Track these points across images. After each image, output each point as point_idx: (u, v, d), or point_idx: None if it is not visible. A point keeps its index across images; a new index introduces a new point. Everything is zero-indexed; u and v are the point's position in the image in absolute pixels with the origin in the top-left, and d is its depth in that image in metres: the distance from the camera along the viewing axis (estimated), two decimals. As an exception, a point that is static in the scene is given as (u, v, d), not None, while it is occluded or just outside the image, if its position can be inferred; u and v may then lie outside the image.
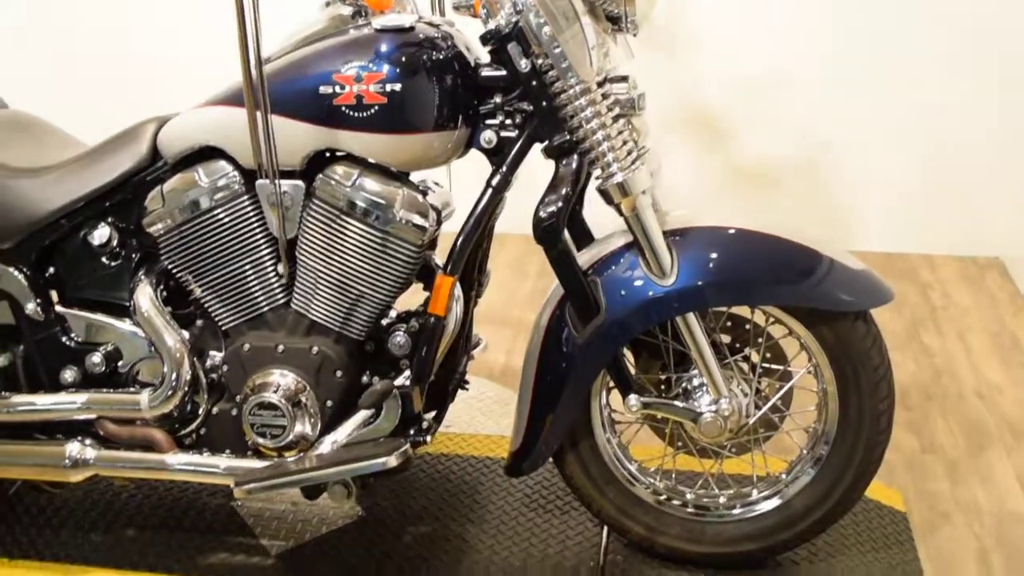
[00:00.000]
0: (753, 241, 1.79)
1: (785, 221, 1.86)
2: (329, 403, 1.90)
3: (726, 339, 1.95)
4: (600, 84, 1.79)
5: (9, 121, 2.10)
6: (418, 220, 1.82)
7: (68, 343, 2.01)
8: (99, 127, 2.09)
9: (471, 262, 2.01)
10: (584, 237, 2.03)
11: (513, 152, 1.83)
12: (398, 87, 1.73)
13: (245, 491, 1.80)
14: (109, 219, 1.97)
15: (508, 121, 1.84)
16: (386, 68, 1.73)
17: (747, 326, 1.92)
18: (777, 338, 1.92)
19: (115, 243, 1.97)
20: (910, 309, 3.21)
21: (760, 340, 1.91)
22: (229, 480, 1.87)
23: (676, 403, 1.88)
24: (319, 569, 2.03)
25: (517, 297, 3.33)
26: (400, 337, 1.89)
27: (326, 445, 1.87)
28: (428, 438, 1.87)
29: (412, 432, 1.87)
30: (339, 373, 1.89)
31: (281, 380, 1.89)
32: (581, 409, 1.93)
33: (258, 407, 1.88)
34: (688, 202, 3.57)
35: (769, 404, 1.91)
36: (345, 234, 1.84)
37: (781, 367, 1.93)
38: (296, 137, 1.79)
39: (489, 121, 1.85)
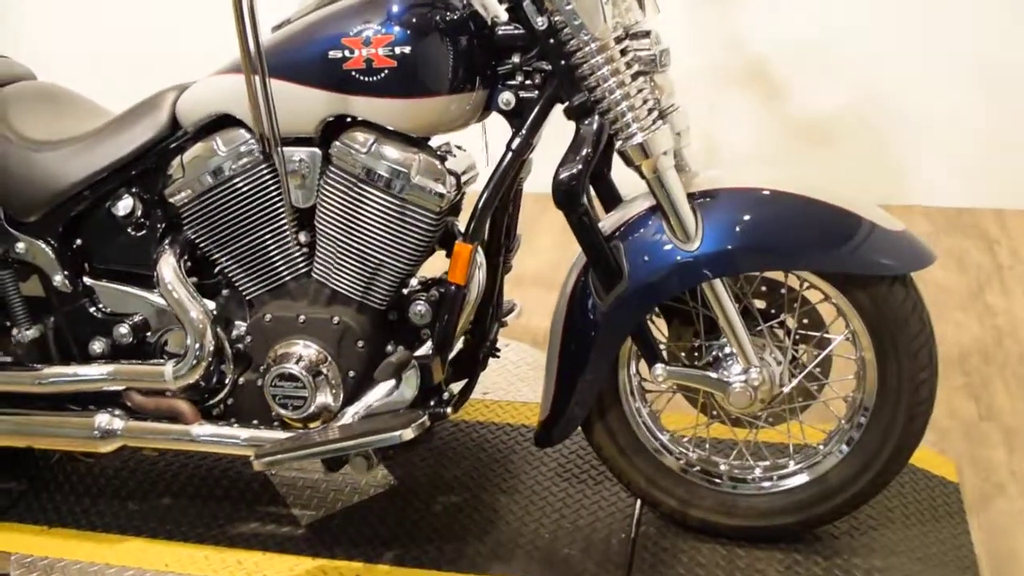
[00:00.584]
0: (782, 203, 1.70)
1: (820, 180, 1.77)
2: (352, 373, 1.87)
3: (760, 304, 1.87)
4: (620, 40, 1.71)
5: (36, 92, 2.10)
6: (435, 186, 1.77)
7: (96, 314, 2.01)
8: (131, 98, 2.08)
9: (496, 227, 1.96)
10: (613, 200, 1.95)
11: (533, 114, 1.77)
12: (408, 49, 1.67)
13: (264, 463, 1.78)
14: (133, 189, 1.96)
15: (528, 81, 1.78)
16: (396, 30, 1.67)
17: (782, 290, 1.83)
18: (814, 303, 1.84)
19: (139, 213, 1.96)
20: (975, 267, 3.06)
21: (795, 305, 1.82)
22: (251, 451, 1.86)
23: (704, 372, 1.80)
24: (349, 538, 2.02)
25: (566, 260, 3.26)
26: (421, 306, 1.85)
27: (348, 416, 1.85)
28: (448, 410, 1.84)
29: (433, 403, 1.84)
30: (360, 343, 1.86)
31: (303, 351, 1.87)
32: (608, 377, 1.87)
33: (279, 378, 1.86)
34: (745, 158, 3.52)
35: (804, 372, 1.83)
36: (363, 202, 1.80)
37: (818, 333, 1.84)
38: (308, 104, 1.75)
39: (508, 82, 1.79)
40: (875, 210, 1.74)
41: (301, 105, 1.75)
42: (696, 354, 1.88)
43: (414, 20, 1.69)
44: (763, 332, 1.82)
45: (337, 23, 1.71)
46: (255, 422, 1.95)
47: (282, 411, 1.87)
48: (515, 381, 2.52)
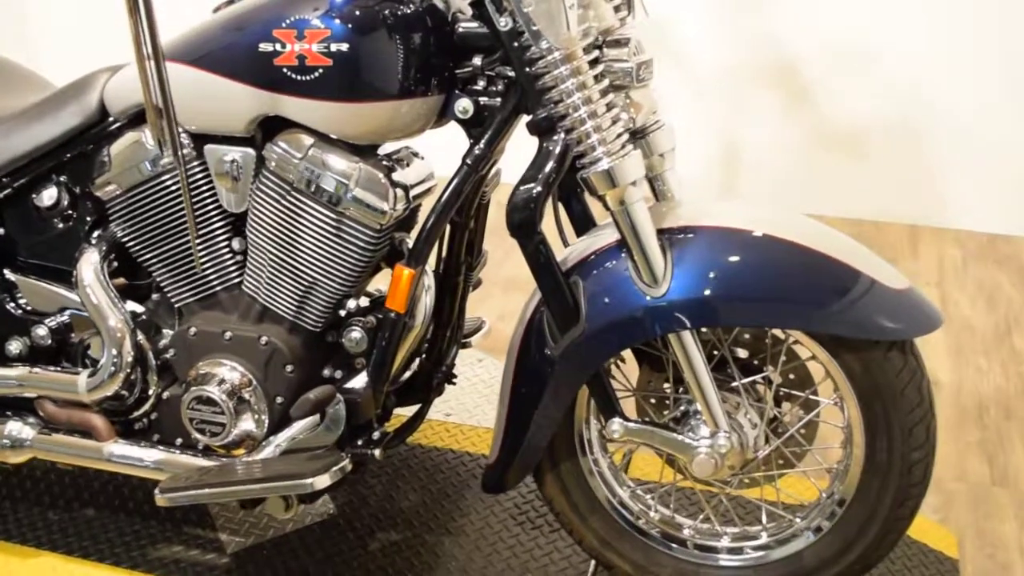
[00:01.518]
0: (768, 248, 1.47)
1: (817, 224, 1.55)
2: (279, 400, 1.69)
3: (743, 354, 1.65)
4: (593, 48, 1.49)
5: (-23, 67, 1.93)
6: (377, 202, 1.57)
7: (14, 311, 1.84)
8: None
9: (456, 244, 1.76)
10: (586, 224, 1.73)
11: (493, 125, 1.55)
12: (345, 47, 1.46)
13: (166, 499, 1.60)
14: (60, 179, 1.78)
15: (491, 88, 1.56)
16: (333, 24, 1.46)
17: (767, 340, 1.61)
18: (803, 359, 1.61)
19: (65, 205, 1.78)
20: (1005, 303, 2.80)
21: (781, 359, 1.60)
22: (163, 477, 1.69)
23: (665, 433, 1.59)
24: (273, 572, 1.84)
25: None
26: (356, 332, 1.65)
27: (270, 448, 1.66)
28: (376, 452, 1.64)
29: (360, 443, 1.65)
30: (289, 368, 1.67)
31: (225, 372, 1.68)
32: (564, 424, 1.67)
33: (197, 401, 1.68)
34: (772, 170, 3.28)
35: (782, 439, 1.61)
36: (297, 213, 1.61)
37: (803, 394, 1.62)
38: (237, 101, 1.55)
39: (469, 87, 1.57)
40: (876, 263, 1.51)
41: (229, 102, 1.55)
42: (666, 403, 1.67)
43: (356, 13, 1.48)
44: (740, 388, 1.60)
45: (271, 11, 1.50)
46: (179, 441, 1.78)
47: (200, 437, 1.69)
48: (482, 403, 2.32)
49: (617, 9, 1.58)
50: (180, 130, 1.60)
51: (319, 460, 1.57)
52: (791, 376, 1.64)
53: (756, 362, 1.64)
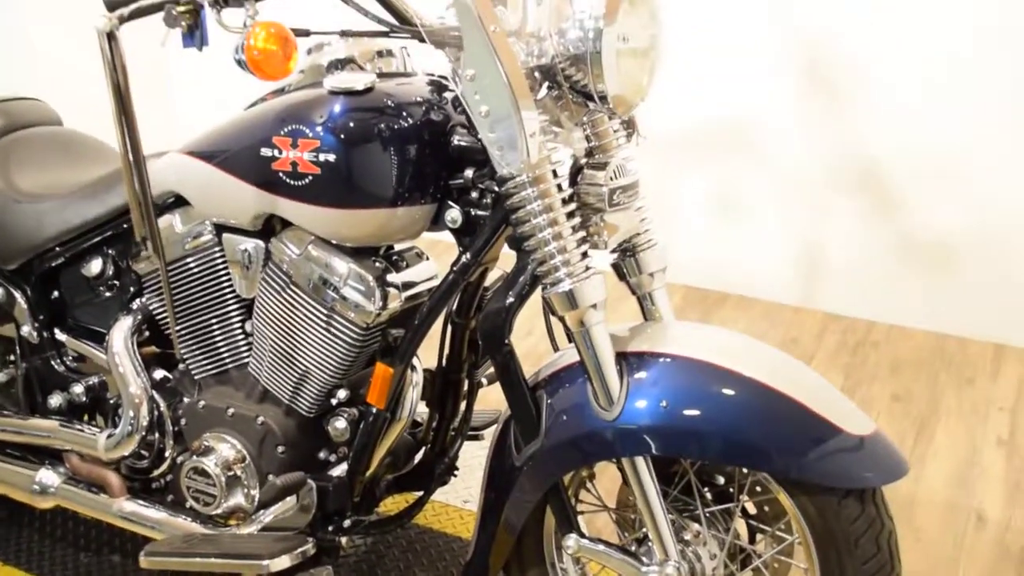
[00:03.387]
0: (722, 382, 1.46)
1: (787, 359, 1.52)
2: (271, 477, 1.78)
3: (721, 480, 1.64)
4: (576, 169, 1.54)
5: (49, 139, 2.13)
6: (363, 302, 1.65)
7: (58, 368, 2.01)
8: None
9: (457, 342, 1.82)
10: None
11: (482, 235, 1.61)
12: (332, 158, 1.55)
13: (150, 562, 1.71)
14: (107, 251, 1.94)
15: (484, 200, 1.62)
16: (323, 135, 1.55)
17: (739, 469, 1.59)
18: (774, 493, 1.58)
19: (109, 275, 1.94)
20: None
21: (756, 490, 1.57)
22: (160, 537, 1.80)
23: (617, 554, 1.58)
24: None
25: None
26: (340, 422, 1.73)
27: (255, 523, 1.75)
28: (343, 540, 1.70)
29: (331, 529, 1.71)
30: (281, 448, 1.76)
31: (223, 447, 1.79)
32: (533, 532, 1.69)
33: (193, 471, 1.79)
34: (854, 276, 3.19)
35: (745, 571, 1.58)
36: (293, 304, 1.70)
37: (770, 528, 1.59)
38: (243, 198, 1.67)
39: (463, 197, 1.63)
40: (841, 406, 1.47)
41: (236, 199, 1.67)
42: (633, 522, 1.67)
43: (350, 125, 1.56)
44: (703, 517, 1.58)
45: (272, 120, 1.61)
46: (188, 504, 1.89)
47: (193, 503, 1.80)
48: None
49: (616, 131, 1.61)
50: (209, 221, 1.75)
51: (284, 542, 1.64)
52: (765, 508, 1.61)
53: (731, 490, 1.63)
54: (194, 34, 1.40)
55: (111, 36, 1.40)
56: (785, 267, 3.38)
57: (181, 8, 1.39)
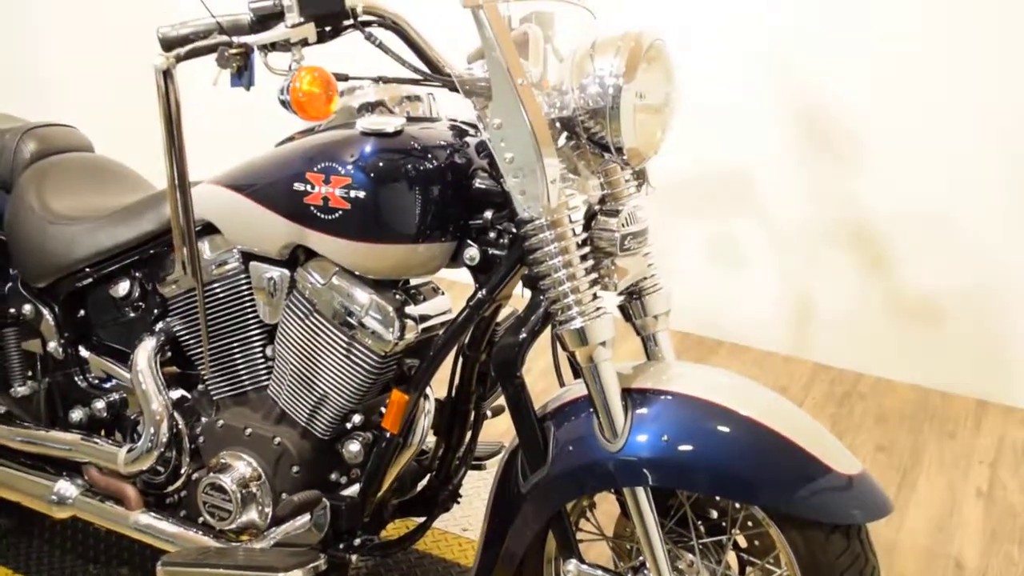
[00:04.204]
0: (720, 420, 1.55)
1: (781, 401, 1.62)
2: (285, 496, 1.86)
3: (714, 514, 1.73)
4: (590, 215, 1.64)
5: (81, 165, 2.22)
6: (382, 331, 1.74)
7: (81, 383, 2.10)
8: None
9: (467, 374, 1.91)
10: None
11: (498, 274, 1.71)
12: (362, 194, 1.66)
13: (168, 572, 1.78)
14: (135, 273, 2.03)
15: (502, 240, 1.72)
16: (355, 173, 1.66)
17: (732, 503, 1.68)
18: (766, 526, 1.67)
19: (136, 297, 2.03)
20: (1058, 496, 2.73)
21: (749, 523, 1.66)
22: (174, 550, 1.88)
23: (615, 581, 1.67)
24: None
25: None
26: (354, 445, 1.82)
27: (268, 539, 1.83)
28: (352, 558, 1.78)
29: (341, 547, 1.79)
30: (296, 469, 1.85)
31: (239, 465, 1.87)
32: (535, 557, 1.77)
33: (211, 487, 1.87)
34: (841, 328, 3.30)
35: (734, 603, 1.66)
36: (315, 331, 1.80)
37: (760, 561, 1.68)
38: (273, 228, 1.76)
39: (481, 236, 1.74)
40: (831, 445, 1.57)
41: (266, 228, 1.77)
42: (630, 551, 1.76)
43: (380, 165, 1.67)
44: (696, 547, 1.67)
45: (305, 156, 1.71)
46: (201, 519, 1.97)
47: (208, 518, 1.88)
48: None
49: (628, 180, 1.73)
50: (236, 249, 1.85)
51: (298, 557, 1.72)
52: (755, 542, 1.70)
53: (724, 523, 1.71)
54: (242, 75, 1.51)
55: (167, 74, 1.50)
56: (777, 317, 3.50)
57: (233, 51, 1.50)
